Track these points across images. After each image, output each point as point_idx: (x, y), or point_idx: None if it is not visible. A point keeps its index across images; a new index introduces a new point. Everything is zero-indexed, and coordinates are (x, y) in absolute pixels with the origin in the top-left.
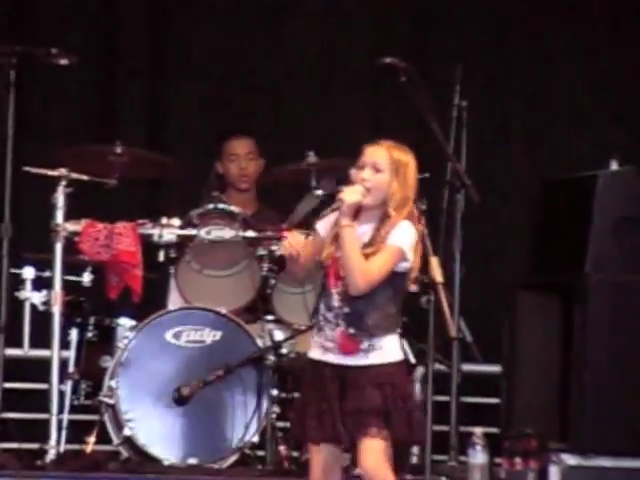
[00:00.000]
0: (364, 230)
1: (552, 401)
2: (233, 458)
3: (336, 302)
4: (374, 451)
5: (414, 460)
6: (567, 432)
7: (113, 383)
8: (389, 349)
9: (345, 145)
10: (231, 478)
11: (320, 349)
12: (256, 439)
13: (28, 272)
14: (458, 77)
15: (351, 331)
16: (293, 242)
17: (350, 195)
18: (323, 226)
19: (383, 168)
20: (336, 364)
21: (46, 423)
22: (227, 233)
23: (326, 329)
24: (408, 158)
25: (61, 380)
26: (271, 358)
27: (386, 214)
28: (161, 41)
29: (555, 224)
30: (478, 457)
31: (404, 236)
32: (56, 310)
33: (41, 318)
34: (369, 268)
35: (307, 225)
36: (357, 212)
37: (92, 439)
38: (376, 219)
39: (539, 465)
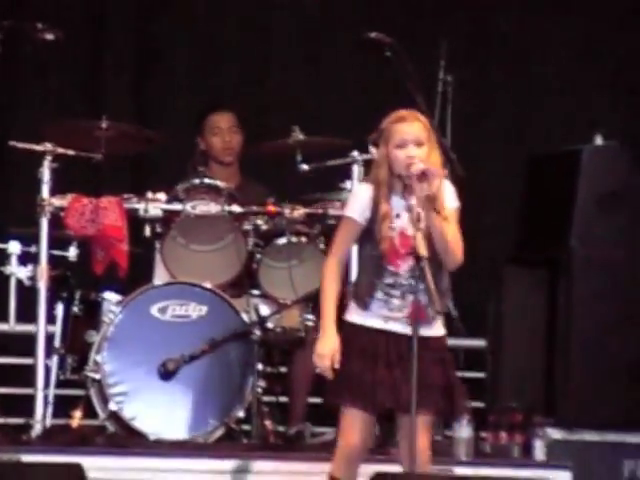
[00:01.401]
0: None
1: (537, 376)
2: (219, 432)
3: (404, 280)
4: (427, 430)
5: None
6: (552, 406)
7: (99, 358)
8: (440, 321)
9: (330, 121)
10: (217, 452)
11: (381, 319)
12: (242, 414)
13: (14, 247)
14: (443, 52)
15: (422, 300)
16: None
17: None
18: (359, 211)
19: (424, 140)
20: (401, 333)
21: (32, 398)
22: (213, 208)
23: (393, 300)
24: (428, 120)
25: (47, 355)
26: (257, 333)
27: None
28: (148, 16)
29: (541, 199)
30: (463, 431)
31: (451, 194)
32: (42, 285)
33: (27, 293)
34: (458, 238)
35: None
36: (391, 187)
37: (78, 414)
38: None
39: (524, 439)
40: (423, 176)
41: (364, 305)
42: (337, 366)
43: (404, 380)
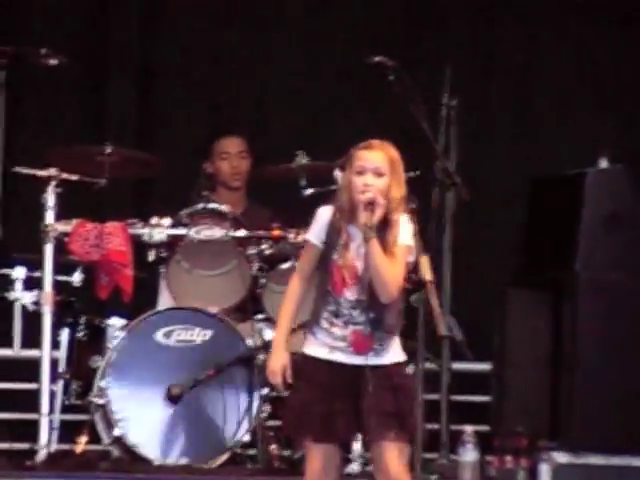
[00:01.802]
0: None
1: (542, 399)
2: (224, 457)
3: (346, 309)
4: (397, 455)
5: None
6: (557, 430)
7: (103, 383)
8: (397, 348)
9: (334, 145)
10: (222, 477)
11: (326, 348)
12: (247, 438)
13: (18, 272)
14: (448, 77)
15: (367, 332)
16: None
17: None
18: (316, 235)
19: (384, 172)
20: (347, 363)
21: (36, 423)
22: (217, 232)
23: (334, 329)
24: (397, 154)
25: (52, 380)
26: (261, 357)
27: (388, 216)
28: (150, 42)
29: (545, 222)
30: (469, 455)
31: (407, 232)
32: (46, 310)
33: (31, 318)
34: (396, 274)
35: None
36: (351, 215)
37: (83, 439)
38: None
39: (530, 463)
40: (369, 205)
41: (312, 333)
42: (289, 380)
43: (344, 410)
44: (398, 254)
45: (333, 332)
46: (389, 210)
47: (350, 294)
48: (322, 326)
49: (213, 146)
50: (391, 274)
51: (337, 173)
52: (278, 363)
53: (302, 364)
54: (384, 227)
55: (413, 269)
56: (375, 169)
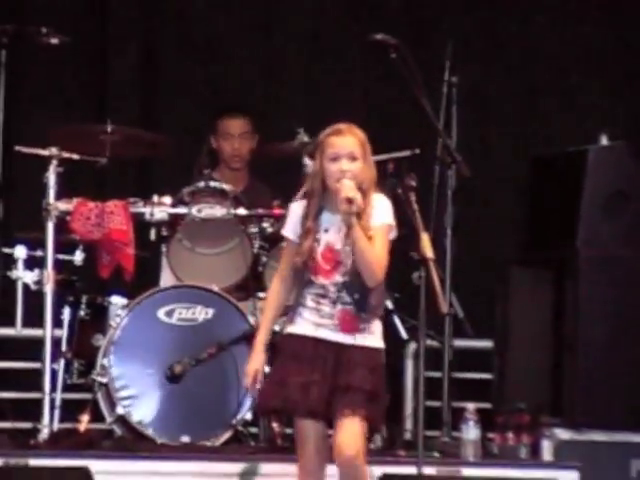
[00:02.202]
0: (336, 218)
1: (544, 376)
2: (226, 435)
3: (332, 292)
4: (356, 433)
5: (407, 436)
6: (559, 406)
7: (106, 362)
8: (378, 334)
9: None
10: (224, 455)
11: (312, 325)
12: (249, 416)
13: (20, 251)
14: (449, 54)
15: (354, 312)
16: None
17: (353, 191)
18: (292, 229)
19: (358, 155)
20: (332, 341)
21: (39, 402)
22: (218, 211)
23: (322, 307)
24: (365, 135)
25: (54, 359)
26: None
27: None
28: (152, 19)
29: (547, 199)
30: (471, 432)
31: (385, 210)
32: (48, 289)
33: (33, 297)
34: (380, 257)
35: None
36: (323, 201)
37: (85, 418)
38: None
39: (531, 440)
40: (348, 201)
41: (295, 314)
42: (258, 386)
43: (324, 385)
44: (379, 235)
45: (321, 309)
46: (362, 193)
47: (332, 279)
48: (308, 305)
49: (217, 124)
50: (375, 257)
51: (306, 160)
52: (252, 366)
53: (286, 343)
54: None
55: (416, 246)
56: (349, 154)
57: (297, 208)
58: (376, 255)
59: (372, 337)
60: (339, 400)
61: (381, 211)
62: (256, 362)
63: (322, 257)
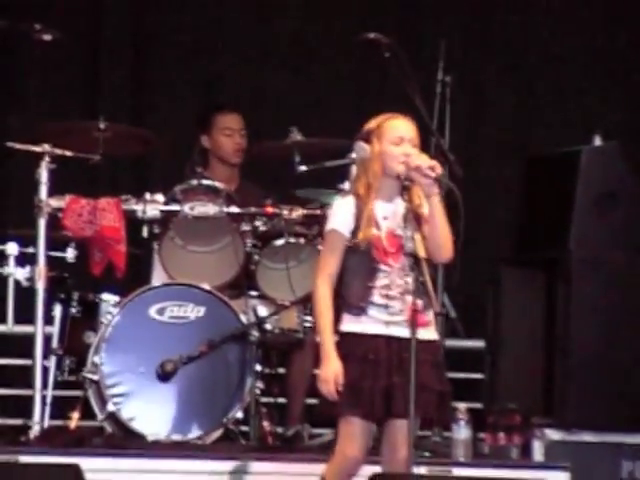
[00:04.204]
0: (390, 206)
1: (536, 377)
2: (217, 434)
3: (400, 278)
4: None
5: None
6: (551, 407)
7: (97, 359)
8: (434, 325)
9: (328, 121)
10: (215, 454)
11: (382, 324)
12: (240, 415)
13: (12, 248)
14: (442, 53)
15: (420, 302)
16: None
17: (429, 160)
18: (343, 223)
19: (417, 143)
20: (403, 338)
21: (30, 399)
22: (211, 209)
23: (393, 302)
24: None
25: (45, 356)
26: (255, 334)
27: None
28: (145, 17)
29: (539, 200)
30: (462, 432)
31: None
32: (40, 286)
33: (25, 294)
34: (450, 235)
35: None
36: (378, 189)
37: (76, 415)
38: (396, 192)
39: (523, 440)
40: (431, 168)
41: (360, 311)
42: (340, 389)
43: (402, 385)
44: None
45: (392, 306)
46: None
47: (398, 263)
48: (376, 302)
49: (212, 120)
50: (449, 231)
51: (362, 146)
52: (330, 371)
53: (355, 344)
54: (407, 193)
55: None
56: (411, 139)
57: (346, 204)
58: (448, 229)
59: (433, 330)
60: (417, 401)
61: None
62: (334, 367)
63: (387, 241)
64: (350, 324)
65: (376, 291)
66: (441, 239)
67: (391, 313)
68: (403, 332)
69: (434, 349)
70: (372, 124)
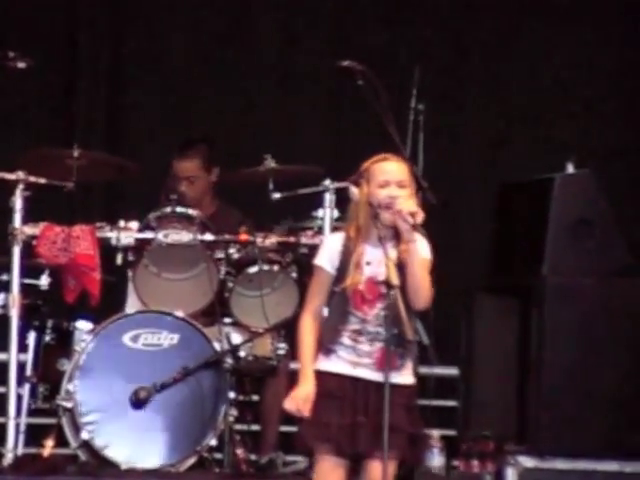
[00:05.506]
0: (377, 252)
1: (509, 404)
2: (191, 461)
3: (372, 327)
4: (392, 475)
5: None
6: (524, 434)
7: (71, 387)
8: (410, 370)
9: (302, 149)
10: None
11: (349, 364)
12: (214, 442)
13: None
14: (416, 80)
15: (393, 348)
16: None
17: (413, 205)
18: (329, 260)
19: (407, 184)
20: (371, 380)
21: (3, 426)
22: (184, 236)
23: (360, 345)
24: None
25: (19, 383)
26: (229, 361)
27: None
28: (120, 43)
29: (513, 226)
30: (435, 460)
31: (426, 245)
32: (14, 313)
33: None
34: (429, 286)
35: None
36: (366, 233)
37: (50, 443)
38: (390, 236)
39: (496, 467)
40: (411, 215)
41: (329, 351)
42: (306, 414)
43: (368, 426)
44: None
45: (359, 348)
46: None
47: (373, 312)
48: (345, 343)
49: (172, 162)
50: (427, 279)
51: (352, 190)
52: (302, 391)
53: (322, 381)
54: (399, 239)
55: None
56: (399, 182)
57: (334, 241)
58: (426, 280)
59: (407, 374)
60: (378, 442)
61: (424, 247)
62: (308, 387)
63: (366, 288)
64: (322, 362)
65: (346, 334)
66: (416, 287)
67: (359, 355)
68: (370, 375)
69: (408, 393)
70: (363, 166)
